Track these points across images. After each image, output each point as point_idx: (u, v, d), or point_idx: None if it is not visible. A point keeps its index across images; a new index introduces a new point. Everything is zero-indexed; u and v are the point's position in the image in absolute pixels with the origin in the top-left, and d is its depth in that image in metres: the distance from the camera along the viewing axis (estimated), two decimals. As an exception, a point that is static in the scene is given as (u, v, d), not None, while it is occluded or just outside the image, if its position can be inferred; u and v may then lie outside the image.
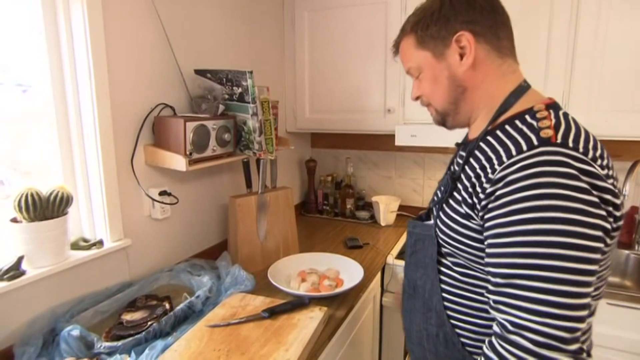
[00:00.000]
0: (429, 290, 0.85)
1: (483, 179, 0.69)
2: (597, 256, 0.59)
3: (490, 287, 0.66)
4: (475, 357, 0.77)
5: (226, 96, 1.46)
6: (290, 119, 2.16)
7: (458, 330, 0.80)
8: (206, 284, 1.27)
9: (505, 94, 0.77)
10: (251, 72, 1.38)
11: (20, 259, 1.06)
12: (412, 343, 0.93)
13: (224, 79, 1.45)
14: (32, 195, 1.01)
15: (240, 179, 1.67)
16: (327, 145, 2.46)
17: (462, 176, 0.76)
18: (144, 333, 1.03)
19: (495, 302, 0.64)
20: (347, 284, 1.38)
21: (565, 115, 0.70)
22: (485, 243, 0.68)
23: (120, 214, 1.28)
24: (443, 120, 0.86)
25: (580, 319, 0.57)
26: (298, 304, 1.19)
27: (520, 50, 1.63)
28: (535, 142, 0.64)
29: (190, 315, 1.17)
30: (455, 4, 0.76)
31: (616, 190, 0.63)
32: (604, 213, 0.60)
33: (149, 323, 1.08)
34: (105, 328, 1.09)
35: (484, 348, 0.66)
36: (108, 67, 1.20)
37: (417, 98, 0.88)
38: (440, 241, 0.81)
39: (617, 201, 0.62)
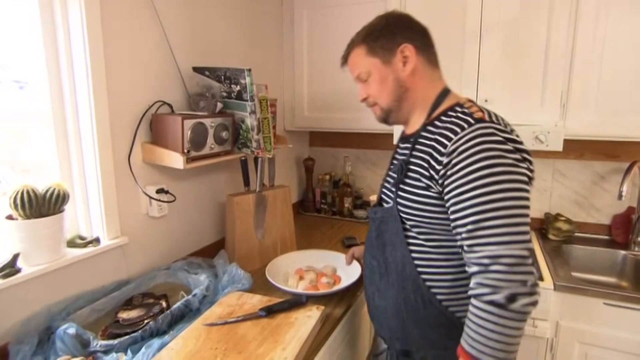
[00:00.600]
0: (401, 262, 0.96)
1: (436, 154, 0.86)
2: (529, 195, 0.81)
3: (463, 235, 0.81)
4: (451, 309, 0.92)
5: (224, 94, 1.46)
6: (288, 117, 2.15)
7: (433, 290, 0.93)
8: (203, 282, 1.27)
9: (435, 95, 0.97)
10: (249, 70, 1.37)
11: (15, 257, 1.05)
12: (387, 319, 1.04)
13: (223, 77, 1.44)
14: (27, 192, 1.00)
15: (238, 177, 1.66)
16: (326, 144, 2.45)
17: (412, 160, 0.93)
18: (140, 331, 1.02)
19: (469, 246, 0.80)
20: (345, 282, 1.38)
21: (483, 106, 0.92)
22: (449, 203, 0.84)
23: (117, 212, 1.28)
24: (386, 116, 1.02)
25: (530, 241, 0.78)
26: (295, 302, 1.19)
27: (519, 52, 1.63)
28: (472, 121, 0.84)
29: (187, 314, 1.16)
30: (399, 24, 0.97)
31: (527, 150, 0.85)
32: (525, 165, 0.83)
33: (146, 321, 1.07)
34: (101, 326, 1.08)
35: (472, 289, 0.80)
36: (105, 64, 1.19)
37: (364, 99, 1.04)
38: (404, 216, 0.95)
39: (531, 158, 0.85)
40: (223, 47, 1.68)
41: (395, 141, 1.81)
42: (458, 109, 0.90)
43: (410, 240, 0.95)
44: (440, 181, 0.85)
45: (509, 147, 0.81)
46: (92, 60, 1.16)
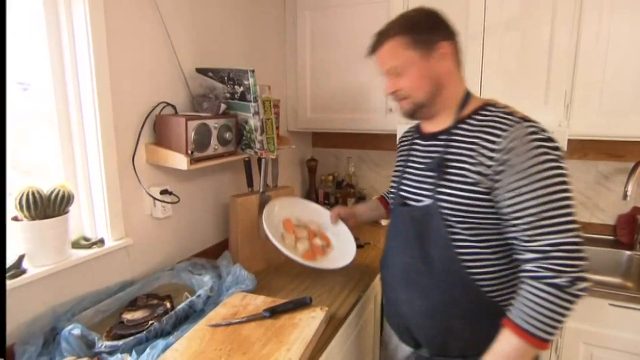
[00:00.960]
0: (446, 259, 0.97)
1: (485, 150, 0.89)
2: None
3: (523, 226, 0.85)
4: (496, 299, 0.95)
5: (228, 95, 1.46)
6: (291, 118, 2.16)
7: (479, 283, 0.95)
8: (207, 283, 1.27)
9: (462, 95, 1.02)
10: (253, 71, 1.38)
11: (21, 258, 1.05)
12: (425, 319, 1.03)
13: (226, 78, 1.44)
14: (33, 194, 1.01)
15: (241, 178, 1.66)
16: (328, 145, 2.45)
17: (450, 156, 0.96)
18: (144, 332, 1.03)
19: (530, 235, 0.84)
20: (338, 249, 1.45)
21: None
22: (505, 197, 0.87)
23: (121, 213, 1.28)
24: (416, 111, 1.03)
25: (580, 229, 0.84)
26: (300, 303, 1.19)
27: (522, 51, 1.63)
28: (517, 119, 0.89)
29: (191, 315, 1.16)
30: (440, 21, 0.99)
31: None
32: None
33: (150, 322, 1.07)
34: (106, 327, 1.08)
35: (532, 271, 0.84)
36: (109, 65, 1.20)
37: (393, 92, 1.03)
38: (448, 212, 0.95)
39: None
40: (226, 48, 1.69)
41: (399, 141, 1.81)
42: (492, 108, 0.95)
43: (454, 237, 0.96)
44: (493, 177, 0.88)
45: (554, 144, 0.86)
46: (96, 61, 1.16)
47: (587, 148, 1.86)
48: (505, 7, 1.63)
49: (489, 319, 0.94)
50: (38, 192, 1.02)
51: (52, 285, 1.10)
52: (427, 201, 0.99)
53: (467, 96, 1.02)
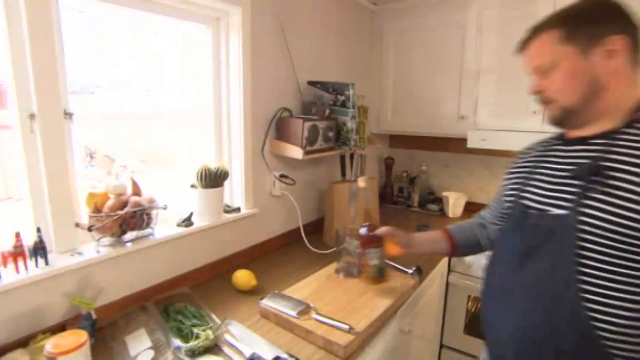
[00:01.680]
0: (560, 283, 0.79)
1: None
2: None
3: None
4: (614, 353, 0.74)
5: (331, 102, 1.85)
6: (374, 122, 2.52)
7: (597, 325, 0.75)
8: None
9: (633, 100, 0.83)
10: (353, 84, 1.76)
11: (191, 214, 1.51)
12: (517, 342, 0.86)
13: (330, 89, 1.84)
14: (207, 170, 1.46)
15: (335, 170, 2.06)
16: (404, 146, 2.78)
17: (614, 164, 0.77)
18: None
19: None
20: None
21: None
22: None
23: (252, 190, 1.72)
24: (565, 118, 0.87)
25: None
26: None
27: (515, 83, 1.70)
28: None
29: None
30: (611, 13, 0.81)
31: None
32: None
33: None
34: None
35: None
36: (252, 84, 1.63)
37: (537, 92, 0.90)
38: (593, 230, 0.76)
39: None
40: (329, 65, 2.09)
41: (470, 144, 2.09)
42: None
43: (584, 261, 0.77)
44: None
45: None
46: (244, 78, 1.60)
47: None
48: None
49: None
50: (209, 169, 1.47)
51: (210, 236, 1.56)
52: (563, 212, 0.82)
53: None
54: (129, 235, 1.28)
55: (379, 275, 1.42)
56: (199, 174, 1.46)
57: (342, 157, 1.97)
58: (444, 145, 2.57)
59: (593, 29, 0.80)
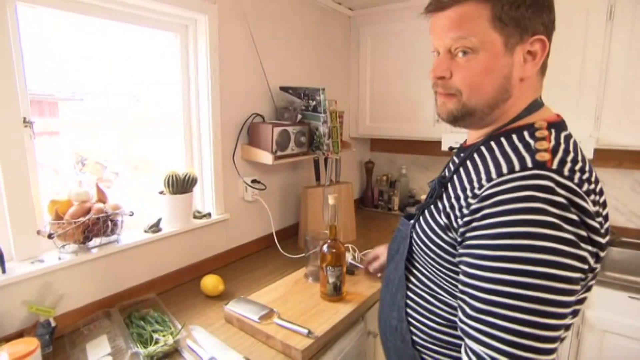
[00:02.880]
0: (396, 286, 0.86)
1: (468, 193, 0.66)
2: (578, 287, 0.59)
3: (467, 310, 0.62)
4: (424, 356, 0.80)
5: (303, 107, 1.87)
6: (353, 126, 2.53)
7: (412, 328, 0.82)
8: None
9: (523, 107, 0.71)
10: (324, 89, 1.77)
11: (159, 219, 1.52)
12: (380, 329, 0.98)
13: (302, 94, 1.85)
14: (174, 176, 1.47)
15: (311, 174, 2.06)
16: (384, 149, 2.79)
17: (450, 185, 0.74)
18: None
19: (472, 327, 0.61)
20: None
21: (567, 138, 0.67)
22: (463, 259, 0.65)
23: (223, 195, 1.73)
24: (461, 117, 0.73)
25: (554, 351, 0.57)
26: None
27: (556, 67, 1.73)
28: (529, 164, 0.61)
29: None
30: (545, 6, 0.67)
31: (602, 230, 0.61)
32: (590, 248, 0.59)
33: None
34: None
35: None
36: (220, 89, 1.65)
37: (441, 78, 0.72)
38: (414, 243, 0.81)
39: (602, 241, 0.60)
40: (302, 70, 2.11)
41: (444, 147, 2.11)
42: (526, 134, 0.67)
43: (412, 269, 0.83)
44: (461, 230, 0.66)
45: (572, 216, 0.57)
46: (212, 85, 1.61)
47: (622, 157, 2.03)
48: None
49: None
50: (177, 175, 1.48)
51: (178, 242, 1.56)
52: (412, 221, 0.86)
53: (528, 110, 0.71)
54: (94, 242, 1.29)
55: (335, 293, 1.35)
56: (167, 180, 1.47)
57: (316, 162, 1.99)
58: (423, 148, 2.58)
59: (526, 18, 0.65)
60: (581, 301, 0.70)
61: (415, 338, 0.82)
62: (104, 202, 1.32)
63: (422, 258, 0.79)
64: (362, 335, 1.40)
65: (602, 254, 0.62)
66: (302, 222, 1.97)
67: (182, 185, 1.50)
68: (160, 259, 1.50)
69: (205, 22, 1.56)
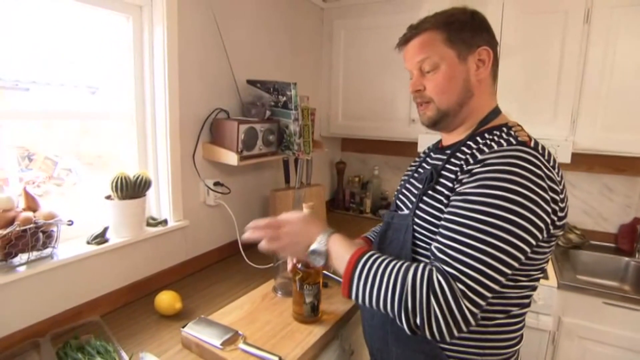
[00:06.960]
0: None
1: (464, 166, 0.82)
2: (533, 241, 0.74)
3: (442, 231, 0.77)
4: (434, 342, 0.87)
5: (272, 103, 1.71)
6: (324, 124, 2.40)
7: None
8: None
9: (488, 110, 0.91)
10: (295, 84, 1.62)
11: (105, 229, 1.32)
12: (373, 327, 1.01)
13: (272, 89, 1.69)
14: (124, 178, 1.27)
15: (280, 175, 1.91)
16: (356, 150, 2.68)
17: (444, 172, 0.87)
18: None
19: (445, 245, 0.75)
20: None
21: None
22: (450, 203, 0.80)
23: (181, 199, 1.54)
24: (439, 119, 0.91)
25: (500, 284, 0.73)
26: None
27: (533, 71, 1.73)
28: (514, 142, 0.80)
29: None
30: (484, 24, 0.89)
31: (562, 197, 0.80)
32: (550, 209, 0.75)
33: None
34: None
35: (425, 268, 0.74)
36: (179, 79, 1.46)
37: (417, 91, 0.91)
38: (418, 228, 0.89)
39: (562, 205, 0.79)
40: (272, 63, 1.95)
41: (420, 149, 2.02)
42: (504, 129, 0.85)
43: (417, 257, 0.89)
44: (456, 189, 0.81)
45: (544, 183, 0.74)
46: (170, 76, 1.42)
47: (593, 162, 2.02)
48: (519, 31, 1.82)
49: (423, 355, 0.89)
50: (127, 177, 1.29)
51: (128, 254, 1.37)
52: (407, 211, 0.95)
53: (494, 113, 0.91)
54: (20, 258, 1.08)
55: (312, 314, 1.21)
56: (114, 183, 1.27)
57: (286, 163, 1.84)
58: (398, 149, 2.48)
59: (469, 37, 0.87)
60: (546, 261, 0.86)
61: None
62: (34, 210, 1.11)
63: (427, 244, 0.86)
64: (340, 354, 1.27)
65: (562, 214, 0.80)
66: (269, 228, 1.82)
67: (133, 188, 1.30)
68: (107, 274, 1.31)
69: (163, 4, 1.37)
